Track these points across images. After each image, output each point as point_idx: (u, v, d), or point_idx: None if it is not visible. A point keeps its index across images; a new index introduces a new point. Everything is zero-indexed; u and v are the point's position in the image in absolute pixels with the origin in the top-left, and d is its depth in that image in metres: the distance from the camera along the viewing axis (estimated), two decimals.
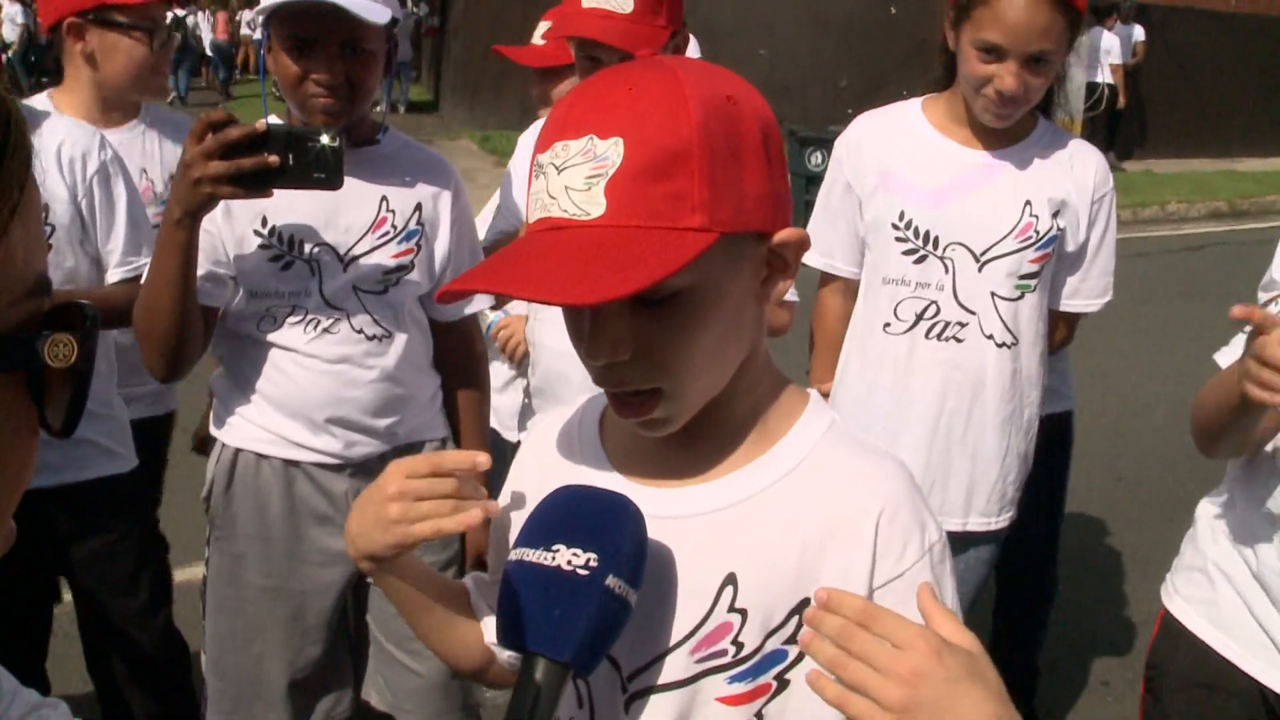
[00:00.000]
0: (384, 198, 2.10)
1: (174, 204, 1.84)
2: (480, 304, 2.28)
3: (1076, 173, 2.27)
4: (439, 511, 1.10)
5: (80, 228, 2.35)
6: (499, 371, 2.83)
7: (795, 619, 1.05)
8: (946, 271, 2.25)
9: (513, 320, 2.73)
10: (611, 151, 0.93)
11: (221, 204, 1.87)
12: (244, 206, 1.96)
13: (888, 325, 2.30)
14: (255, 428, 2.12)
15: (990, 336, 2.26)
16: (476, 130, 15.01)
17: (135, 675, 2.56)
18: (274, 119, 2.07)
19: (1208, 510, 1.83)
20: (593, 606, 0.94)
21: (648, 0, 2.16)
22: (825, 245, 2.42)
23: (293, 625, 2.19)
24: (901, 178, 2.27)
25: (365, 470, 2.16)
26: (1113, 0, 13.51)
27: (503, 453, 2.58)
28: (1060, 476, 2.91)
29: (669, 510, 1.07)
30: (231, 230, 2.03)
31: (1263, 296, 1.80)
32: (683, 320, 0.98)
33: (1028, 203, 2.22)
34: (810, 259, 2.30)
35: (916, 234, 2.26)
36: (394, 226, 2.10)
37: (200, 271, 1.95)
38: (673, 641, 1.07)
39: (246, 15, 22.79)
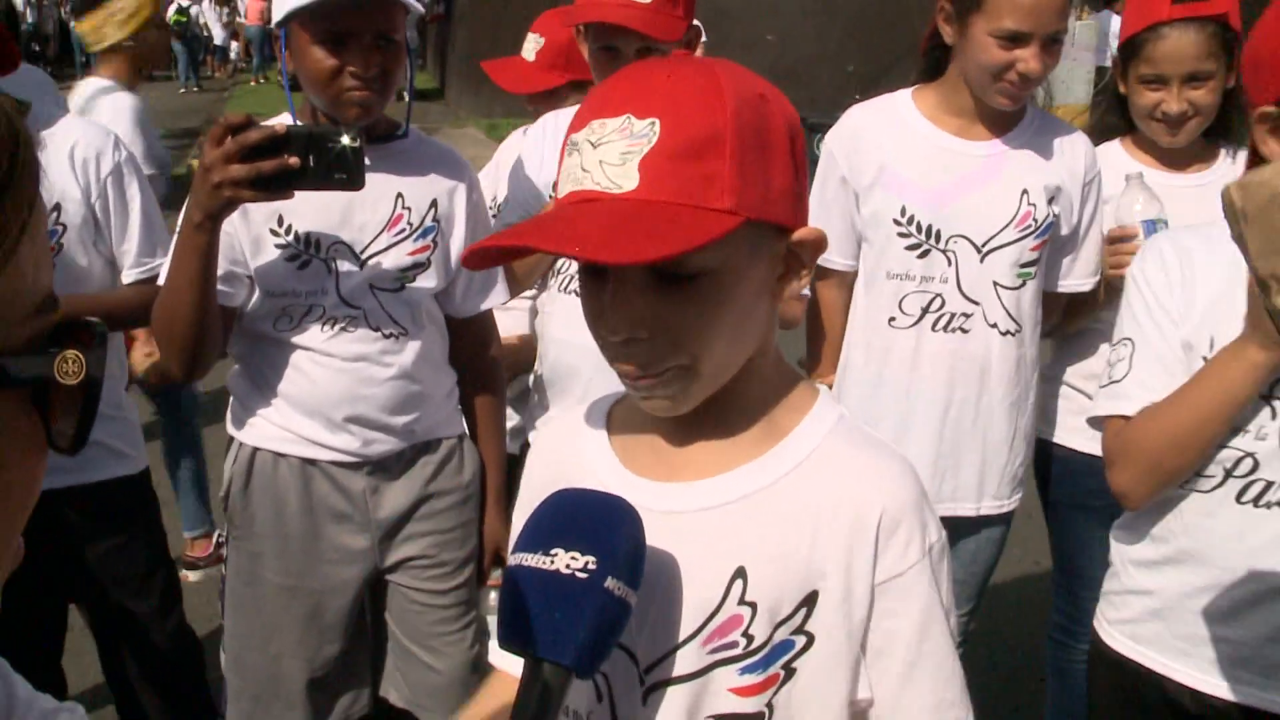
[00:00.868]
0: (399, 194, 2.09)
1: (194, 207, 1.83)
2: (497, 299, 2.26)
3: (1068, 158, 2.30)
4: None
5: (94, 228, 2.35)
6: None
7: (803, 610, 1.07)
8: (949, 264, 2.27)
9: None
10: (648, 130, 0.96)
11: None
12: (260, 206, 1.95)
13: (893, 320, 2.31)
14: (273, 427, 2.11)
15: (994, 325, 2.29)
16: (483, 118, 14.98)
17: (149, 675, 2.56)
18: (287, 118, 2.06)
19: (1117, 536, 1.86)
20: (593, 609, 0.95)
21: None
22: None
23: (311, 623, 2.19)
24: (900, 172, 2.28)
25: (383, 468, 2.16)
26: None
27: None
28: None
29: (678, 505, 1.09)
30: (248, 230, 2.02)
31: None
32: (702, 302, 1.01)
33: (1024, 192, 2.25)
34: None
35: (919, 229, 2.27)
36: (410, 224, 2.09)
37: (218, 272, 1.94)
38: (685, 635, 1.09)
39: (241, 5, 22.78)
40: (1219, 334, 1.63)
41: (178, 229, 1.93)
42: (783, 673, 1.08)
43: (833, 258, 2.41)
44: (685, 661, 1.09)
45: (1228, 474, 1.65)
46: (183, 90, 20.35)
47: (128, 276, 2.40)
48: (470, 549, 2.29)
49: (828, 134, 2.43)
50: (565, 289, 2.31)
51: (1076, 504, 2.53)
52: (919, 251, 2.27)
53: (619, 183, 0.96)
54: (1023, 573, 3.99)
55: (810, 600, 1.07)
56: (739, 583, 1.07)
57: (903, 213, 2.26)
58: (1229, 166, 2.38)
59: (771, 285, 1.07)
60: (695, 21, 2.32)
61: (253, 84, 20.21)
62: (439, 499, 2.23)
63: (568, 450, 1.21)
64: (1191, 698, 1.72)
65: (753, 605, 1.07)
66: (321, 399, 2.08)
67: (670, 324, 1.01)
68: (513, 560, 1.00)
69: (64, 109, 2.60)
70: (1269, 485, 1.62)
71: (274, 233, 2.03)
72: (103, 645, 2.58)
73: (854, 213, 2.34)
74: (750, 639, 1.08)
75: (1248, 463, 1.63)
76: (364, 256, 2.06)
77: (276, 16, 1.98)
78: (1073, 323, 2.50)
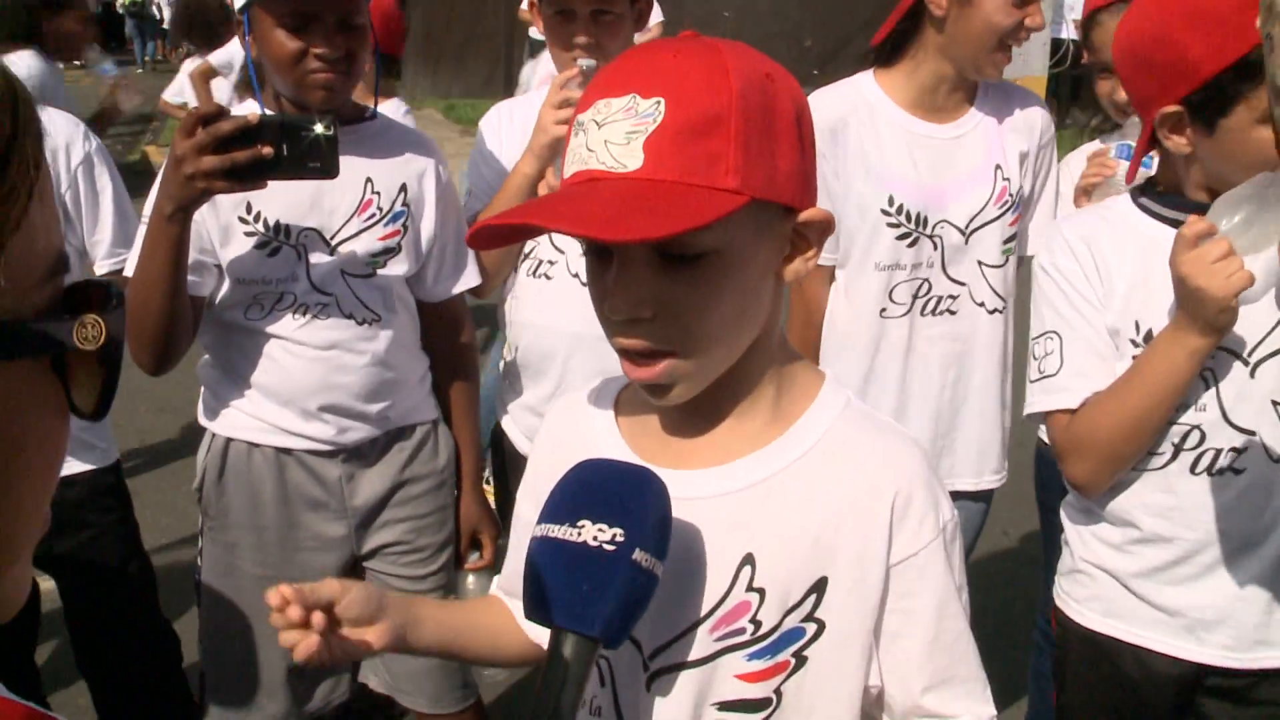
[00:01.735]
0: (369, 179, 2.07)
1: (165, 199, 1.81)
2: (468, 283, 2.25)
3: (1028, 121, 2.31)
4: None
5: (63, 219, 2.31)
6: None
7: (813, 596, 1.07)
8: (936, 248, 2.27)
9: None
10: (653, 110, 0.96)
11: None
12: (228, 193, 1.92)
13: (884, 310, 2.30)
14: (246, 417, 2.10)
15: (981, 304, 2.30)
16: (440, 99, 14.84)
17: (126, 667, 2.54)
18: (256, 106, 2.04)
19: (1069, 515, 1.88)
20: (620, 581, 0.94)
21: None
22: None
23: None
24: (881, 161, 2.27)
25: (358, 455, 2.15)
26: None
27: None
28: None
29: (686, 492, 1.08)
30: (216, 219, 1.99)
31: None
32: (707, 283, 1.00)
33: (998, 167, 2.26)
34: None
35: (909, 217, 2.26)
36: (380, 208, 2.08)
37: (188, 261, 1.92)
38: (692, 621, 1.09)
39: None
40: (1144, 318, 1.67)
41: (146, 220, 1.91)
42: (793, 660, 1.08)
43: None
44: (691, 647, 1.09)
45: (1177, 449, 1.69)
46: (140, 70, 20.12)
47: (101, 268, 2.37)
48: (447, 533, 2.29)
49: None
50: (534, 273, 2.30)
51: (1058, 510, 2.54)
52: (909, 240, 2.26)
53: (624, 162, 0.96)
54: (995, 546, 4.04)
55: (820, 586, 1.07)
56: (747, 569, 1.07)
57: (890, 202, 2.24)
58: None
59: (777, 266, 1.06)
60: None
61: (138, 71, 19.69)
62: (414, 485, 2.22)
63: (574, 433, 1.21)
64: (1170, 664, 1.75)
65: (760, 591, 1.07)
66: (295, 388, 2.07)
67: (674, 304, 1.00)
68: (539, 532, 0.99)
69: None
70: (1219, 452, 1.66)
71: (243, 220, 2.01)
72: (76, 638, 2.56)
73: (835, 205, 2.28)
74: (758, 624, 1.07)
75: (1195, 435, 1.67)
76: (334, 242, 2.05)
77: (239, 1, 1.96)
78: None
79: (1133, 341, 1.68)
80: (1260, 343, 1.64)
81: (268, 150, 1.77)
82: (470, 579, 2.35)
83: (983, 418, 2.36)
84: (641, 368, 1.04)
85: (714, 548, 1.08)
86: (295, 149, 1.79)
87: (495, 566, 2.36)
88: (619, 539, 0.95)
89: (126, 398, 3.98)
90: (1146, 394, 1.63)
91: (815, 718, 1.09)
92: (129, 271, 1.98)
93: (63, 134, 2.31)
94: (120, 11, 21.54)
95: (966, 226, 2.26)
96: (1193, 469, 1.68)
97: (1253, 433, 1.64)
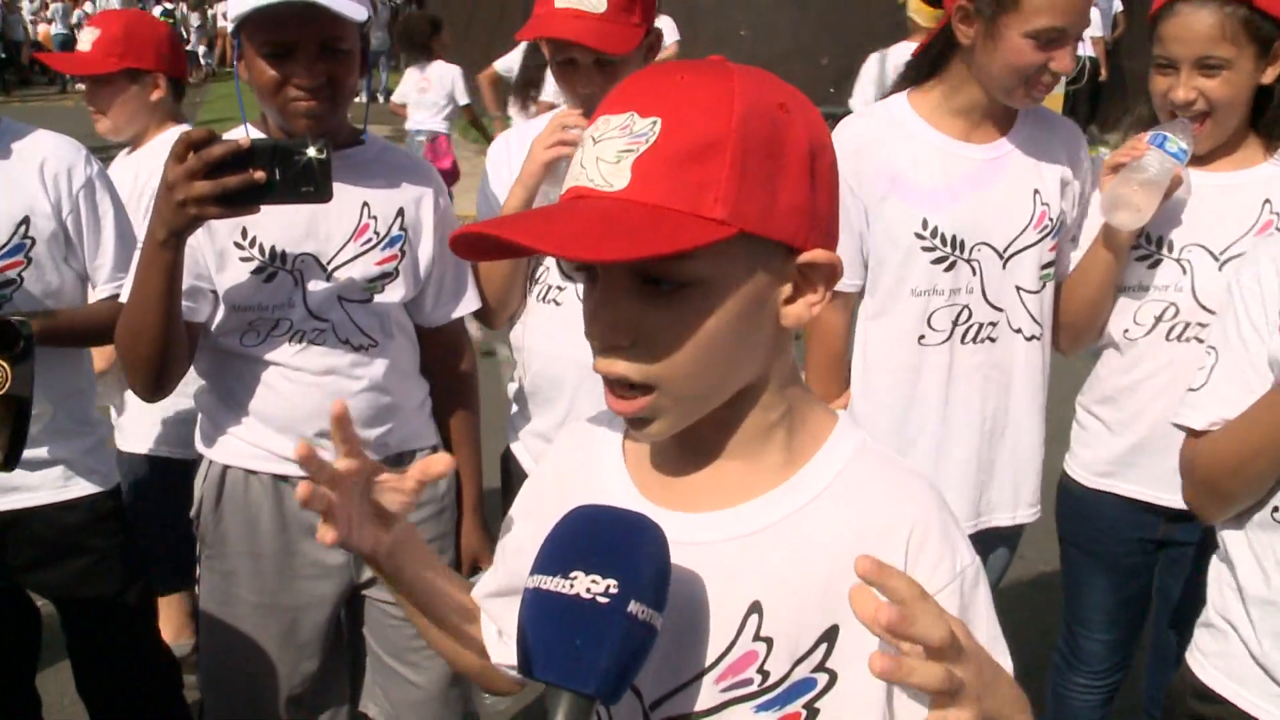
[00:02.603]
0: (365, 204, 2.06)
1: (158, 225, 1.79)
2: (467, 307, 2.24)
3: (1069, 149, 2.26)
4: None
5: (64, 243, 2.31)
6: None
7: (824, 646, 1.03)
8: (974, 273, 2.20)
9: None
10: (648, 130, 0.93)
11: None
12: (224, 219, 1.91)
13: (923, 338, 2.23)
14: (243, 444, 2.08)
15: (1019, 330, 2.24)
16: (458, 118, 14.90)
17: (126, 694, 2.53)
18: (254, 131, 2.03)
19: (1214, 564, 1.80)
20: (615, 635, 0.90)
21: None
22: None
23: (287, 641, 2.16)
24: (915, 183, 2.19)
25: None
26: None
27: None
28: None
29: (693, 536, 1.04)
30: (212, 244, 1.98)
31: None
32: (688, 313, 0.96)
33: (1036, 191, 2.20)
34: None
35: (944, 241, 2.19)
36: (376, 233, 2.06)
37: (182, 287, 1.91)
38: (697, 670, 1.05)
39: (222, 7, 22.68)
40: None
41: (140, 245, 1.89)
42: (804, 712, 1.03)
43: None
44: (697, 698, 1.05)
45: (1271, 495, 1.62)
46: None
47: (102, 292, 2.36)
48: (447, 560, 2.26)
49: None
50: (544, 299, 2.27)
51: (1080, 546, 2.50)
52: (945, 265, 2.19)
53: (610, 181, 0.93)
54: (1012, 570, 3.98)
55: (831, 635, 1.02)
56: (754, 617, 1.03)
57: (924, 225, 2.18)
58: (1272, 171, 2.22)
59: (775, 307, 1.01)
60: (663, 21, 2.29)
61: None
62: (414, 511, 2.19)
63: (581, 464, 1.17)
64: None
65: (768, 640, 1.03)
66: (292, 414, 2.05)
67: (653, 333, 0.97)
68: (531, 584, 0.95)
69: None
70: None
71: (239, 246, 1.99)
72: (77, 662, 2.55)
73: (863, 229, 2.23)
74: (766, 675, 1.03)
75: None
76: (331, 268, 2.03)
77: (230, 26, 1.95)
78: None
79: None
80: None
81: (260, 175, 1.75)
82: None
83: (1017, 449, 2.29)
84: (621, 400, 1.01)
85: (720, 594, 1.04)
86: (288, 173, 1.77)
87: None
88: (613, 591, 0.91)
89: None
90: (1261, 434, 1.58)
91: None
92: (125, 296, 1.97)
93: (65, 159, 2.31)
94: None
95: (1005, 251, 2.19)
96: None
97: None
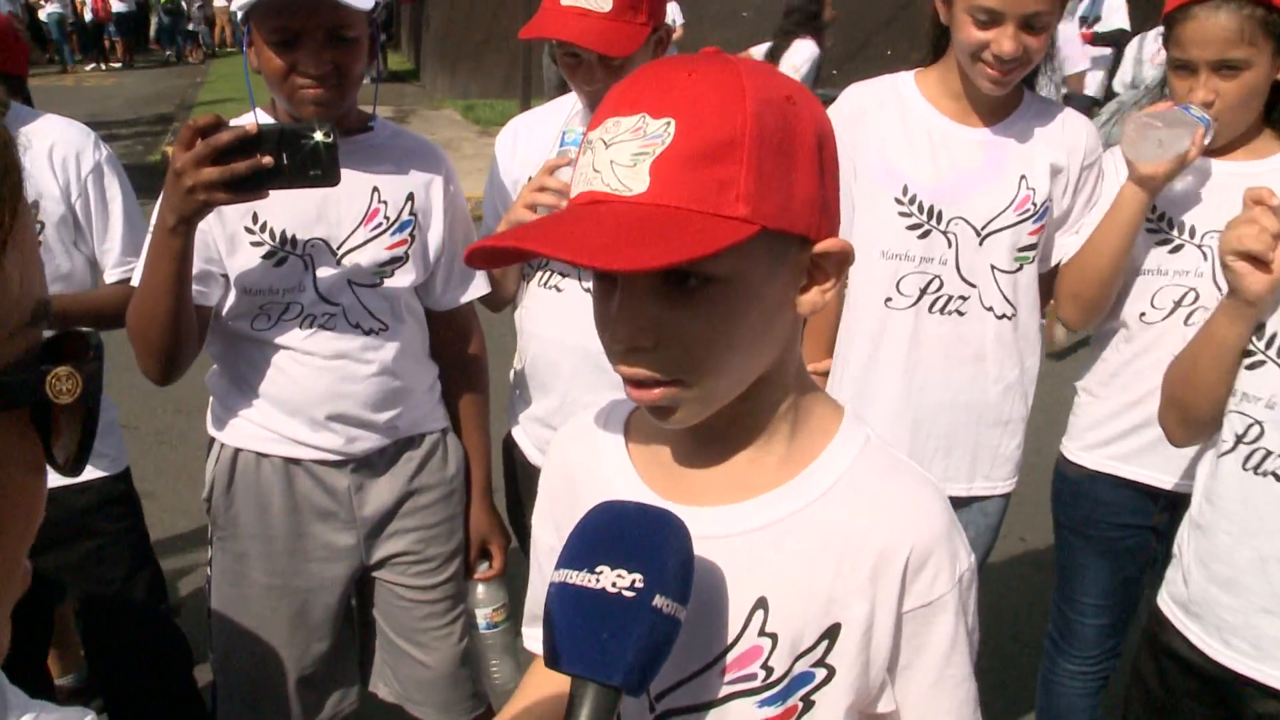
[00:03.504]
0: (375, 188, 2.06)
1: (166, 211, 1.80)
2: (477, 291, 2.25)
3: (1068, 138, 2.27)
4: None
5: (73, 228, 2.32)
6: None
7: (825, 642, 1.04)
8: (949, 246, 2.25)
9: None
10: (662, 131, 0.92)
11: None
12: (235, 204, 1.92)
13: (889, 300, 2.29)
14: (254, 426, 2.10)
15: (990, 309, 2.27)
16: (459, 99, 14.87)
17: (137, 676, 2.54)
18: (264, 116, 2.04)
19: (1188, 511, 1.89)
20: (641, 628, 0.91)
21: None
22: None
23: (298, 622, 2.18)
24: (901, 154, 2.26)
25: (367, 465, 2.14)
26: None
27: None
28: None
29: (699, 531, 1.03)
30: (223, 228, 1.99)
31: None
32: (713, 313, 0.96)
33: (1023, 176, 2.23)
34: None
35: (921, 209, 2.24)
36: (387, 218, 2.07)
37: (193, 271, 1.92)
38: (702, 664, 1.06)
39: None
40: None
41: (150, 231, 1.90)
42: (801, 704, 1.05)
43: None
44: (700, 691, 1.06)
45: (1238, 439, 1.69)
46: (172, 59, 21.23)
47: (111, 276, 2.37)
48: (456, 543, 2.28)
49: (829, 111, 2.37)
50: (544, 284, 2.28)
51: (1074, 529, 2.53)
52: (919, 232, 2.25)
53: (629, 185, 0.92)
54: (1011, 552, 4.02)
55: (832, 632, 1.04)
56: (760, 613, 1.04)
57: (904, 191, 2.24)
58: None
59: (792, 297, 1.01)
60: (670, 15, 2.27)
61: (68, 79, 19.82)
62: (424, 494, 2.21)
63: (583, 460, 1.17)
64: (1202, 658, 1.76)
65: (773, 636, 1.04)
66: (303, 398, 2.06)
67: (678, 334, 0.96)
68: (556, 578, 0.95)
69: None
70: (1269, 454, 1.65)
71: (249, 231, 2.00)
72: (89, 645, 2.57)
73: (852, 186, 2.29)
74: (770, 671, 1.04)
75: (1255, 429, 1.67)
76: (341, 252, 2.04)
77: (239, 13, 1.96)
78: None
79: None
80: None
81: (267, 160, 1.76)
82: (480, 589, 2.34)
83: (980, 424, 2.34)
84: (643, 390, 1.01)
85: (726, 589, 1.05)
86: (295, 157, 1.78)
87: (505, 575, 2.36)
88: (639, 585, 0.91)
89: (144, 399, 4.03)
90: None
91: None
92: (136, 281, 1.98)
93: (73, 143, 2.32)
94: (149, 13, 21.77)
95: (983, 228, 2.24)
96: (1244, 463, 1.68)
97: None
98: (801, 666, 1.04)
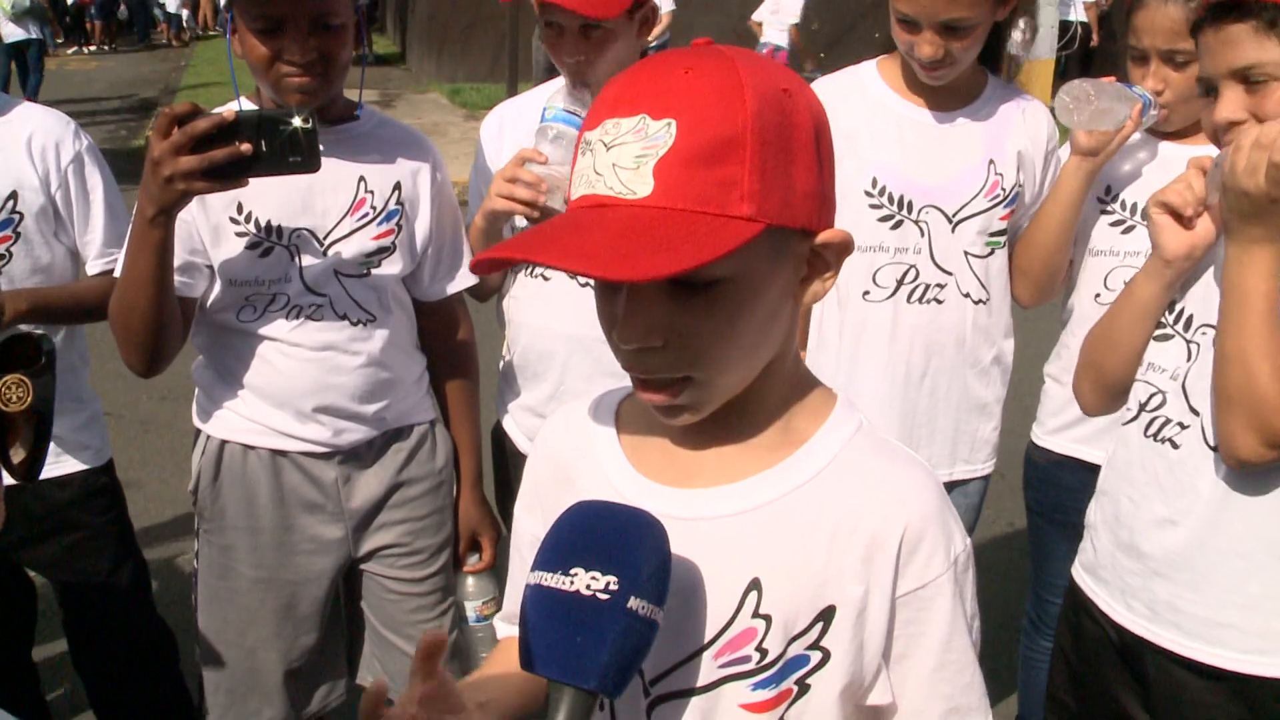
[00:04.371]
0: (362, 178, 2.04)
1: (146, 202, 1.78)
2: (465, 282, 2.22)
3: (1030, 126, 2.29)
4: None
5: (53, 218, 2.28)
6: None
7: (819, 625, 1.04)
8: (922, 235, 2.26)
9: None
10: (663, 132, 0.92)
11: None
12: (219, 194, 1.89)
13: (867, 293, 2.29)
14: (241, 419, 2.07)
15: (967, 295, 2.29)
16: (445, 83, 14.79)
17: (122, 669, 2.53)
18: (246, 103, 2.01)
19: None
20: (616, 631, 0.91)
21: None
22: None
23: (285, 615, 2.16)
24: (868, 144, 2.26)
25: (355, 457, 2.12)
26: None
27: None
28: None
29: (692, 513, 1.05)
30: (207, 219, 1.96)
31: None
32: (720, 311, 0.97)
33: (991, 161, 2.25)
34: None
35: (891, 199, 2.25)
36: (373, 207, 2.05)
37: (176, 263, 1.89)
38: (695, 647, 1.06)
39: None
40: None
41: (131, 221, 1.88)
42: (796, 688, 1.05)
43: None
44: (694, 674, 1.06)
45: (1141, 407, 1.73)
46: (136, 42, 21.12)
47: (93, 267, 2.34)
48: (445, 535, 2.27)
49: None
50: (531, 273, 2.26)
51: (1043, 513, 2.56)
52: (892, 223, 2.25)
53: (633, 188, 0.92)
54: (996, 535, 4.03)
55: (827, 615, 1.04)
56: (754, 595, 1.04)
57: (874, 184, 2.24)
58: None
59: (794, 288, 1.02)
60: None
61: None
62: (412, 486, 2.20)
63: (573, 447, 1.17)
64: (1110, 624, 1.79)
65: (767, 618, 1.04)
66: (289, 389, 2.04)
67: (686, 333, 0.97)
68: (531, 579, 0.95)
69: None
70: (1167, 421, 1.69)
71: (234, 221, 1.97)
72: (73, 639, 2.55)
73: None
74: (764, 653, 1.04)
75: (1158, 398, 1.71)
76: (327, 243, 2.01)
77: (223, 0, 1.93)
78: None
79: None
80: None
81: (246, 147, 1.73)
82: (470, 581, 2.32)
83: (960, 408, 2.35)
84: (652, 391, 1.01)
85: (719, 571, 1.05)
86: (274, 144, 1.75)
87: (495, 568, 2.35)
88: (613, 587, 0.91)
89: (128, 387, 4.01)
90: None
91: None
92: (119, 273, 1.96)
93: (53, 133, 2.28)
94: None
95: (954, 215, 2.25)
96: (1145, 430, 1.72)
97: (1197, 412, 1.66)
98: (796, 649, 1.04)
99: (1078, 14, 13.15)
